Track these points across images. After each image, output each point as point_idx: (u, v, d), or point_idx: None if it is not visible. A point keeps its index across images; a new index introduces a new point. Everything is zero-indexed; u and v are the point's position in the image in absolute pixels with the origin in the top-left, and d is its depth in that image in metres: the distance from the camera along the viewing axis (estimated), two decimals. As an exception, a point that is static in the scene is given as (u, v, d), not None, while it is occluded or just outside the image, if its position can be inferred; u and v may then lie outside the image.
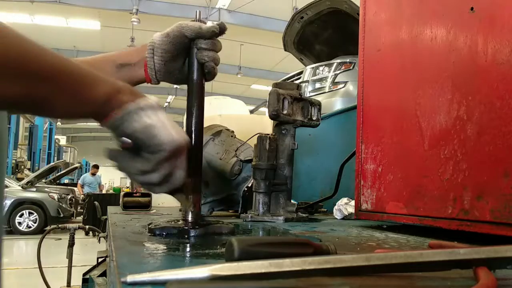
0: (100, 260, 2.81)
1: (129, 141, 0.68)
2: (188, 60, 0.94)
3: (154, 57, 0.93)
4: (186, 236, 0.85)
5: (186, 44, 0.93)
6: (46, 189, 10.58)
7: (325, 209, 1.78)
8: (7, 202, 9.20)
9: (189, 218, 0.89)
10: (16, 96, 0.58)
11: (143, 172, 0.69)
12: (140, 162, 0.68)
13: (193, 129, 0.92)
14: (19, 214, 9.59)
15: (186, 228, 0.87)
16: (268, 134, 1.33)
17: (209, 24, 0.93)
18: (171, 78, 0.98)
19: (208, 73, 0.93)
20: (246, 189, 1.47)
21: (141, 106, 0.67)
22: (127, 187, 13.35)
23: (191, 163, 0.90)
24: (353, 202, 1.37)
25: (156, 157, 0.68)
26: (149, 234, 0.87)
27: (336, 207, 1.46)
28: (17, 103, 0.60)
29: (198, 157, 0.91)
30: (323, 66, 3.90)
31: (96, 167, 13.39)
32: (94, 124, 0.74)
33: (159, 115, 0.69)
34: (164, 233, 0.86)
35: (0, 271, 0.89)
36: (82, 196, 10.87)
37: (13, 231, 9.44)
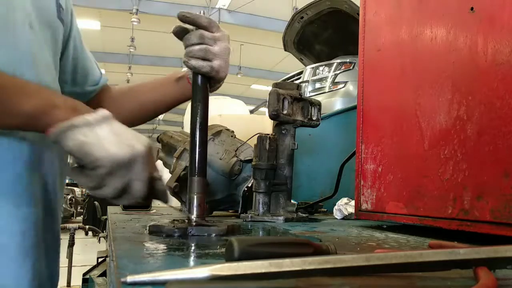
0: (100, 260, 2.81)
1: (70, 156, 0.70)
2: None
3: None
4: (188, 236, 0.85)
5: None
6: (46, 189, 10.56)
7: (325, 209, 1.78)
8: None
9: (193, 218, 0.89)
10: None
11: (91, 187, 0.70)
12: (84, 178, 0.69)
13: (197, 129, 0.91)
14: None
15: (189, 228, 0.86)
16: (268, 134, 1.33)
17: None
18: None
19: (191, 69, 0.92)
20: (246, 189, 1.47)
21: (74, 124, 0.67)
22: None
23: (196, 163, 0.90)
24: (353, 202, 1.37)
25: (95, 173, 0.68)
26: (151, 234, 0.87)
27: (336, 207, 1.46)
28: None
29: (203, 157, 0.91)
30: (323, 66, 3.89)
31: None
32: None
33: (98, 131, 0.68)
34: (165, 234, 0.86)
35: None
36: None
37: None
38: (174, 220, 0.94)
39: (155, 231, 0.87)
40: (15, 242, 0.81)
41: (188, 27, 0.93)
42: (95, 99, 1.14)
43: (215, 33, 0.93)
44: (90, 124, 0.68)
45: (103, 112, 0.71)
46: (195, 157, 0.90)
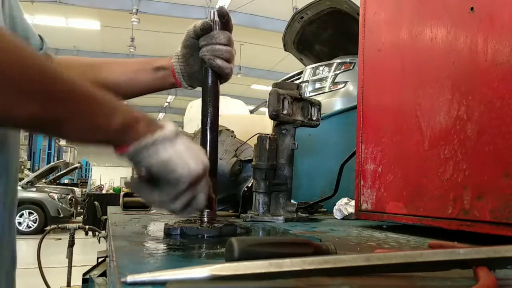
0: (100, 260, 2.81)
1: (145, 172, 0.67)
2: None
3: (178, 62, 0.98)
4: (203, 237, 0.85)
5: (196, 44, 0.94)
6: (46, 189, 10.57)
7: (325, 209, 1.78)
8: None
9: (205, 219, 0.89)
10: (29, 116, 0.56)
11: (162, 202, 0.68)
12: (158, 194, 0.68)
13: (208, 129, 0.91)
14: (19, 214, 9.58)
15: (205, 229, 0.86)
16: (268, 134, 1.33)
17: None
18: (195, 81, 1.00)
19: (214, 68, 0.91)
20: (246, 189, 1.47)
21: (157, 139, 0.65)
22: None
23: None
24: (353, 202, 1.37)
25: (175, 190, 0.67)
26: (166, 236, 0.86)
27: (336, 207, 1.46)
28: (30, 123, 0.59)
29: (213, 159, 0.91)
30: (323, 66, 3.89)
31: None
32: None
33: (177, 146, 0.67)
34: (181, 234, 0.85)
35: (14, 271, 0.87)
36: None
37: (13, 230, 9.41)
38: (189, 220, 0.93)
39: (171, 232, 0.86)
40: None
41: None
42: None
43: (232, 38, 0.95)
44: (170, 139, 0.66)
45: (172, 126, 0.69)
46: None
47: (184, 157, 0.66)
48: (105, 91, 0.66)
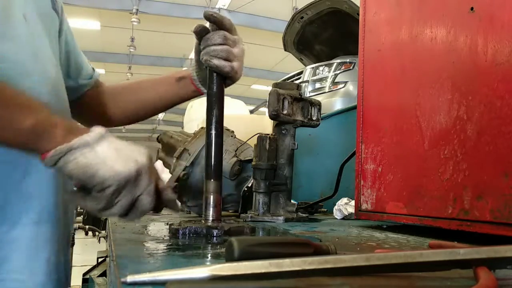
0: (100, 260, 2.81)
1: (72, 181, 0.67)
2: None
3: (194, 69, 1.05)
4: (210, 236, 0.85)
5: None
6: (46, 189, 10.54)
7: (325, 209, 1.78)
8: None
9: (210, 218, 0.89)
10: None
11: (99, 209, 0.67)
12: (91, 201, 0.66)
13: (212, 132, 0.91)
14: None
15: (210, 228, 0.86)
16: (268, 134, 1.33)
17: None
18: None
19: (212, 68, 0.92)
20: (246, 189, 1.46)
21: (73, 146, 0.64)
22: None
23: (213, 167, 0.90)
24: (353, 202, 1.37)
25: (103, 195, 0.65)
26: (171, 236, 0.86)
27: (336, 207, 1.46)
28: None
29: (218, 161, 0.91)
30: (323, 66, 3.89)
31: None
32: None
33: (98, 151, 0.65)
34: (189, 234, 0.85)
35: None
36: None
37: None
38: (194, 220, 0.94)
39: (177, 232, 0.86)
40: (27, 234, 0.80)
41: (209, 27, 0.94)
42: (89, 94, 1.15)
43: (235, 36, 0.96)
44: (89, 144, 0.65)
45: (99, 129, 0.67)
46: (211, 161, 0.90)
47: (108, 160, 0.65)
48: (28, 95, 0.68)
